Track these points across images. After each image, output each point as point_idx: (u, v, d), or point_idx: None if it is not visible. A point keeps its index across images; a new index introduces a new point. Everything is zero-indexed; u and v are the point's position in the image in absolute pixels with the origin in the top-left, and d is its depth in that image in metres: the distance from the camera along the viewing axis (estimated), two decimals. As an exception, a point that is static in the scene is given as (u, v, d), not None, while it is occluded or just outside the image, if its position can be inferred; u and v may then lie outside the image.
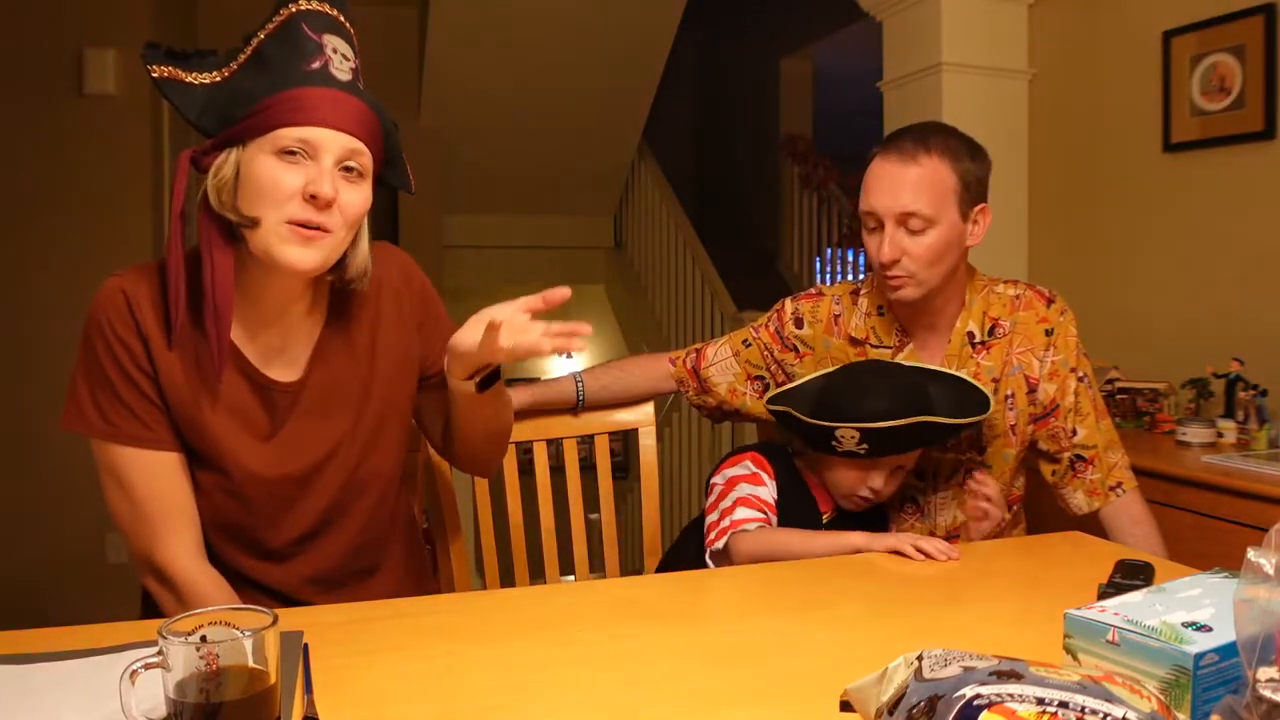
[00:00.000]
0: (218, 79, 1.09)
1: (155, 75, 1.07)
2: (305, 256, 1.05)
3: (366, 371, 1.22)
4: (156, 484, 1.12)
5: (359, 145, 1.07)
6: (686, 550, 1.55)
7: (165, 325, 1.10)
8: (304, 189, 1.03)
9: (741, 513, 1.42)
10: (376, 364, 1.23)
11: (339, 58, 1.07)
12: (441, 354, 1.28)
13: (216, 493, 1.15)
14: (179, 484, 1.13)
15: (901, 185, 1.43)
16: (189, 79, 1.08)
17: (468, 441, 1.32)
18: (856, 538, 1.33)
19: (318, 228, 1.04)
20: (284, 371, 1.17)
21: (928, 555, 1.28)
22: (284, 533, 1.18)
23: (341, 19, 1.10)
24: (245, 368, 1.14)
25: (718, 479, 1.51)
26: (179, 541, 1.12)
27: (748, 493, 1.45)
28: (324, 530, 1.21)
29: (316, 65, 1.05)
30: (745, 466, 1.50)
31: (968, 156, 1.48)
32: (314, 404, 1.18)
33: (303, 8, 1.06)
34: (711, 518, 1.46)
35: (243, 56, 1.08)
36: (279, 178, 1.03)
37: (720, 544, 1.40)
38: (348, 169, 1.06)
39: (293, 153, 1.03)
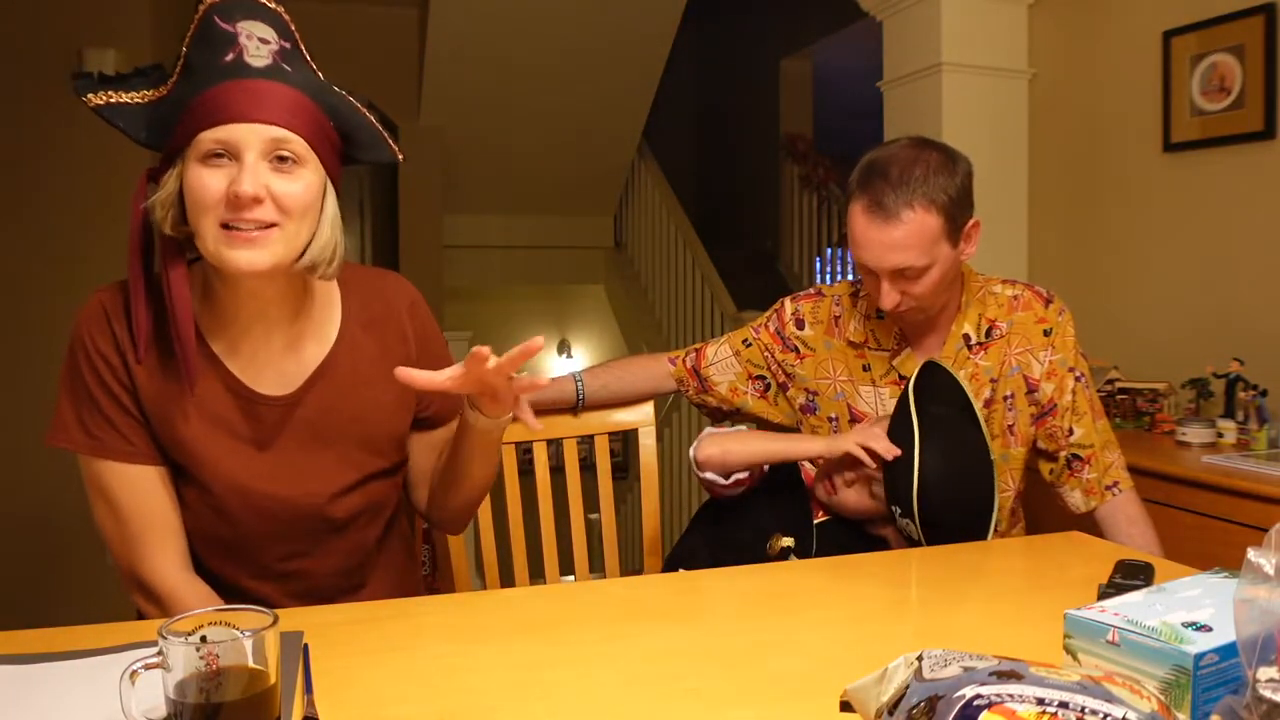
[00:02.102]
0: (163, 93, 1.06)
1: (93, 105, 1.04)
2: (253, 258, 1.01)
3: (368, 400, 1.19)
4: (140, 498, 1.11)
5: (284, 133, 1.01)
6: (695, 540, 1.55)
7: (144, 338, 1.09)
8: (228, 191, 0.99)
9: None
10: (379, 393, 1.19)
11: (255, 44, 1.01)
12: (436, 392, 1.24)
13: (201, 508, 1.13)
14: (162, 498, 1.12)
15: (889, 247, 1.41)
16: (128, 99, 1.06)
17: (462, 485, 1.26)
18: (816, 445, 1.48)
19: (254, 226, 1.00)
20: (273, 385, 1.14)
21: (875, 453, 1.37)
22: (272, 550, 1.16)
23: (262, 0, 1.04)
24: (228, 380, 1.12)
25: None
26: (163, 555, 1.11)
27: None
28: (314, 551, 1.19)
29: (230, 58, 1.00)
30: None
31: (948, 184, 1.42)
32: (307, 424, 1.15)
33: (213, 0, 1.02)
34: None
35: (178, 66, 1.05)
36: (204, 184, 1.00)
37: (693, 447, 1.51)
38: (280, 159, 1.02)
39: (218, 155, 1.00)
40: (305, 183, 1.03)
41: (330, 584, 1.21)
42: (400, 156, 1.16)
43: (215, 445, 1.12)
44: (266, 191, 1.00)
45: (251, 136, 1.00)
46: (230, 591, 1.17)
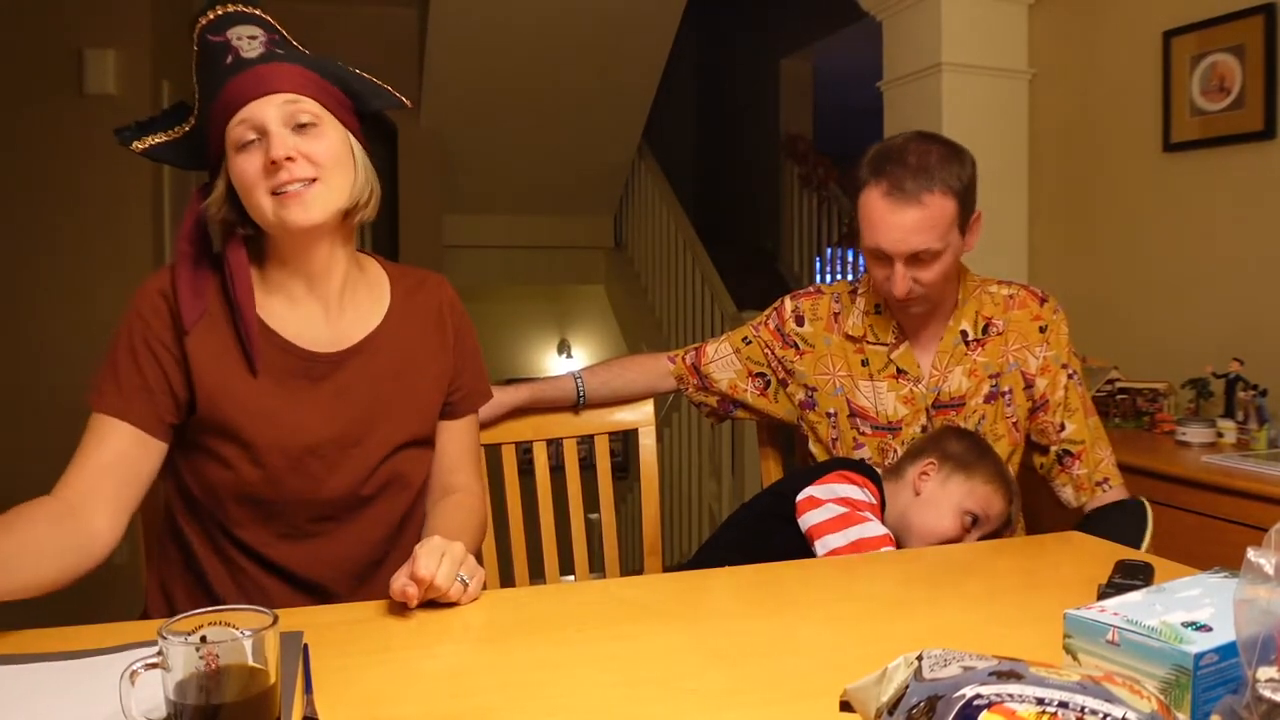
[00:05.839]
0: (192, 123, 1.19)
1: (140, 150, 1.18)
2: (307, 213, 1.12)
3: (408, 377, 1.26)
4: (122, 455, 1.13)
5: (295, 97, 1.13)
6: (728, 545, 1.51)
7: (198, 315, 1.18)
8: (265, 164, 1.11)
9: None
10: (419, 372, 1.27)
11: (245, 41, 1.13)
12: (464, 379, 1.33)
13: (241, 464, 1.16)
14: (140, 466, 1.14)
15: (909, 230, 1.43)
16: (165, 137, 1.20)
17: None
18: None
19: (299, 184, 1.12)
20: (323, 343, 1.21)
21: None
22: (304, 510, 1.19)
23: (242, 8, 1.15)
24: (277, 342, 1.19)
25: (824, 492, 1.42)
26: (105, 501, 1.13)
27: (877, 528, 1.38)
28: (344, 516, 1.22)
29: (229, 60, 1.13)
30: (861, 490, 1.43)
31: (960, 173, 1.46)
32: (351, 384, 1.22)
33: (202, 24, 1.14)
34: (835, 541, 1.36)
35: (198, 94, 1.17)
36: (245, 168, 1.12)
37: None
38: (300, 126, 1.13)
39: (249, 141, 1.12)
40: (328, 139, 1.15)
41: (356, 553, 1.23)
42: (408, 103, 1.27)
43: (264, 403, 1.17)
44: (297, 151, 1.11)
45: (268, 107, 1.11)
46: (256, 560, 1.19)
